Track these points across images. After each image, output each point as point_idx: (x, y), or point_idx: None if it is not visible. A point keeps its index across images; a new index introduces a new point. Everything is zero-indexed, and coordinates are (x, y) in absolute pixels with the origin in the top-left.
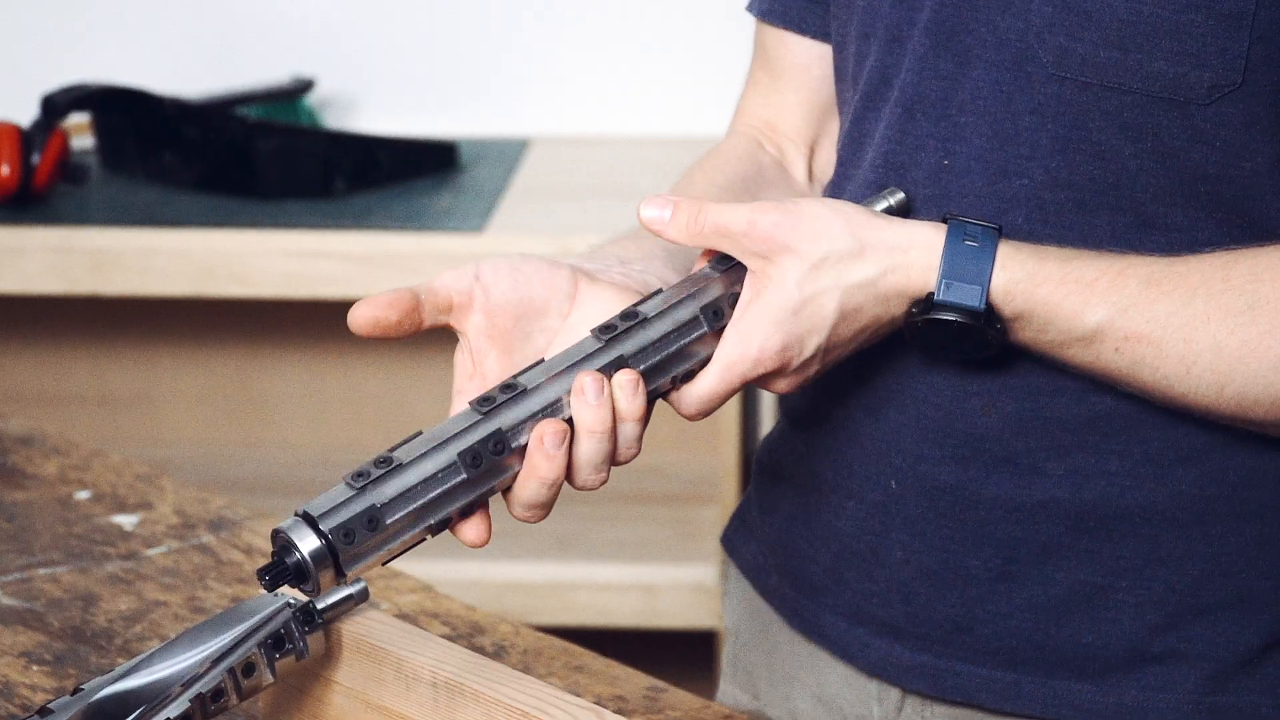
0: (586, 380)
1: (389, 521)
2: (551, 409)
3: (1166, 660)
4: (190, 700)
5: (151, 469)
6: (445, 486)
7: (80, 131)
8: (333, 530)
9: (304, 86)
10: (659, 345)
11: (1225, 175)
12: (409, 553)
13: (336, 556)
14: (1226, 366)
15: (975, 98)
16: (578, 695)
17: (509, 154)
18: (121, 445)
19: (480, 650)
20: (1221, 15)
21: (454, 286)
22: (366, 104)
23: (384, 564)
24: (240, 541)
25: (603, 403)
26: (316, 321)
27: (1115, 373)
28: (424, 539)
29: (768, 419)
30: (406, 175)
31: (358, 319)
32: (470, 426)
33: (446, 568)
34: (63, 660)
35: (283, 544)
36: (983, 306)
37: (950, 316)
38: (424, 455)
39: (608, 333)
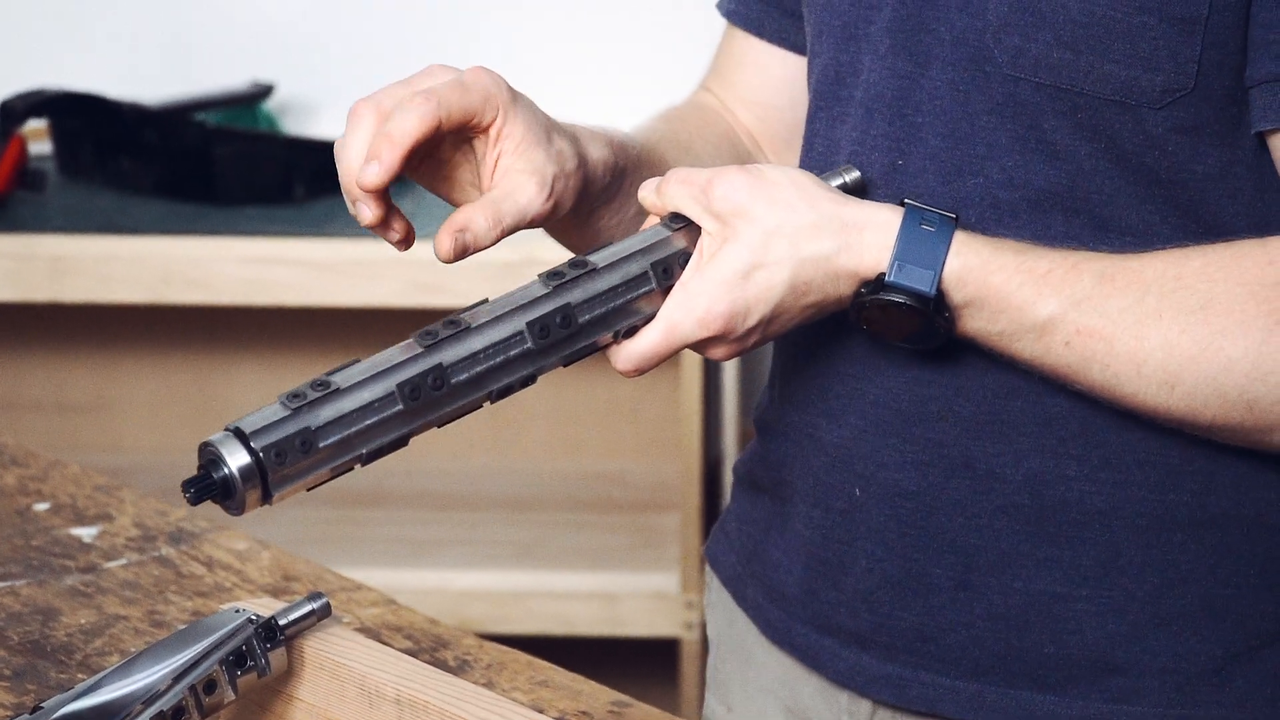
0: None
1: (322, 445)
2: (495, 349)
3: (1130, 671)
4: (151, 718)
5: (111, 480)
6: (381, 416)
7: (38, 137)
8: (264, 449)
9: (263, 92)
10: (605, 297)
11: (1178, 179)
12: (359, 561)
13: (265, 476)
14: (1177, 366)
15: (932, 98)
16: (541, 711)
17: None
18: (80, 453)
19: (443, 664)
20: (1174, 19)
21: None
22: (326, 109)
23: (308, 489)
24: (201, 554)
25: None
26: (276, 328)
27: (1064, 368)
28: (352, 468)
29: (730, 427)
30: None
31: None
32: (412, 359)
33: (407, 577)
34: (21, 676)
35: (210, 458)
36: (933, 292)
37: (899, 299)
38: (362, 383)
39: (556, 279)
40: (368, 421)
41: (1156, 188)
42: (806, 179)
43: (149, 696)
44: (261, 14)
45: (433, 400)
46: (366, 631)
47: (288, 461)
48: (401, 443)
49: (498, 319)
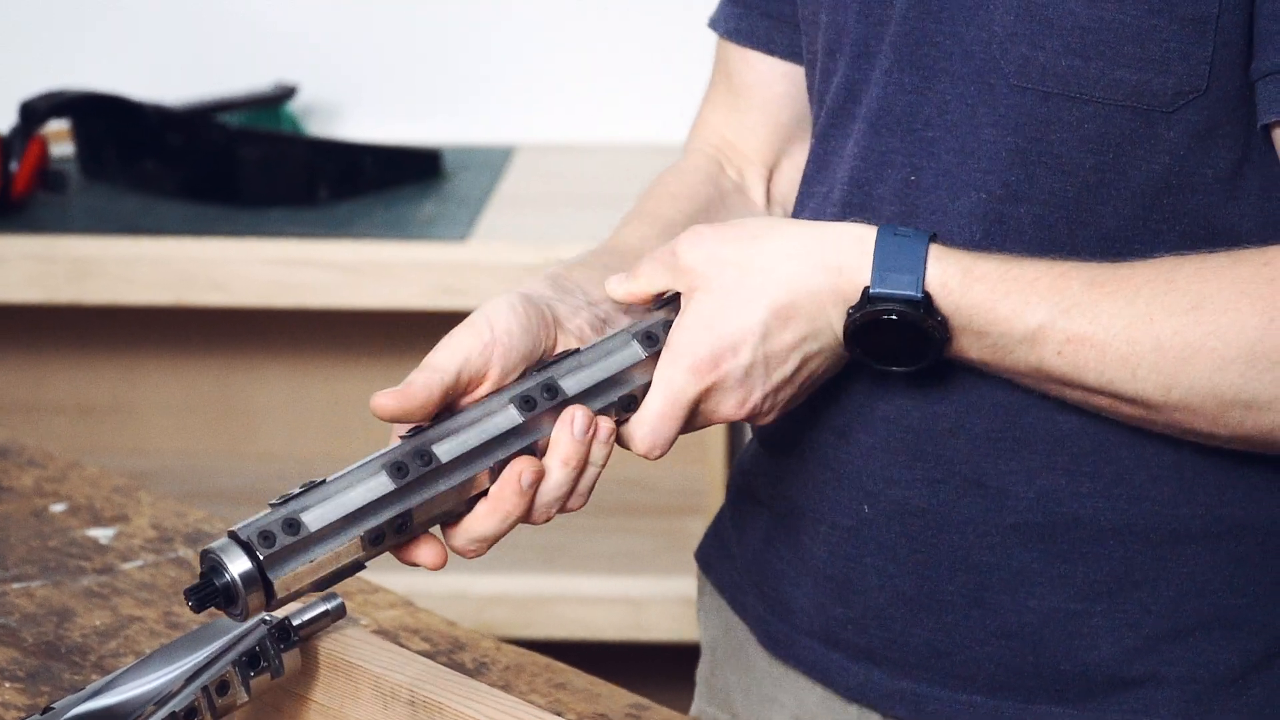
0: (577, 413)
1: (310, 525)
2: (480, 424)
3: (1147, 684)
4: (164, 719)
5: (129, 481)
6: (371, 497)
7: (60, 138)
8: (250, 534)
9: (287, 93)
10: (592, 371)
11: (1188, 184)
12: (379, 564)
13: (264, 575)
14: (1171, 368)
15: (942, 112)
16: (559, 714)
17: (493, 161)
18: (101, 456)
19: (460, 667)
20: (1185, 20)
21: (472, 366)
22: (350, 111)
23: (319, 585)
24: None
25: (584, 441)
26: (299, 330)
27: (1060, 378)
28: (360, 558)
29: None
30: (390, 183)
31: (381, 408)
32: (398, 445)
33: (428, 581)
34: (36, 677)
35: (211, 564)
36: (920, 294)
37: (888, 307)
38: (349, 471)
39: (539, 362)
40: (356, 503)
41: (1165, 195)
42: (767, 216)
43: (161, 697)
44: (285, 15)
45: (422, 477)
46: (383, 633)
47: (276, 544)
48: (404, 526)
49: (490, 397)
